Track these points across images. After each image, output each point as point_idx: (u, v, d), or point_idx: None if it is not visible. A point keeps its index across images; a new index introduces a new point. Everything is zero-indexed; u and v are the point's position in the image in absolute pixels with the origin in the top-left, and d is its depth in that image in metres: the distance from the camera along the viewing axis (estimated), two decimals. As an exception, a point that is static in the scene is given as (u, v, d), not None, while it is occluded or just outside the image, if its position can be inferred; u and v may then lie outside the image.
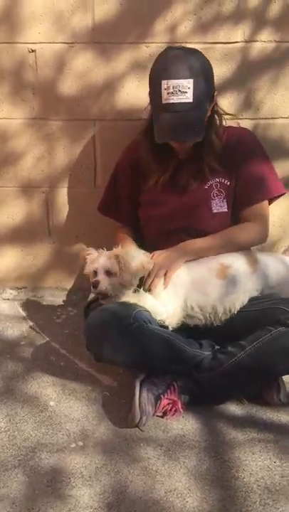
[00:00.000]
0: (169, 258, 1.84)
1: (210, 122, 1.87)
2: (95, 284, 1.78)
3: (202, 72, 1.73)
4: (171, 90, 1.70)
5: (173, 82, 1.70)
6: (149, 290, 1.81)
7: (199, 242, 1.88)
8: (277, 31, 2.11)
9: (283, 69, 2.16)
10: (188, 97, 1.70)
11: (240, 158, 1.94)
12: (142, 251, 1.88)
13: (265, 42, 2.13)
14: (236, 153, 1.93)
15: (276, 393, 1.76)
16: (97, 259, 1.83)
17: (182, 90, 1.69)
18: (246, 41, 2.13)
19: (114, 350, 1.69)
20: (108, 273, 1.78)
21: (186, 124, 1.75)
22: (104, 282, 1.78)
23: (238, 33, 2.12)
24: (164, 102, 1.72)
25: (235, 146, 1.94)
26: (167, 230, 1.98)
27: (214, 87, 1.86)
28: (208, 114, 1.84)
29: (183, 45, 2.04)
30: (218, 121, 1.91)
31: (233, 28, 2.11)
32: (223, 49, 2.12)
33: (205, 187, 1.94)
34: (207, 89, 1.76)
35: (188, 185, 1.93)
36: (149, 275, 1.82)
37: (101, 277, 1.78)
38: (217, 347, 1.81)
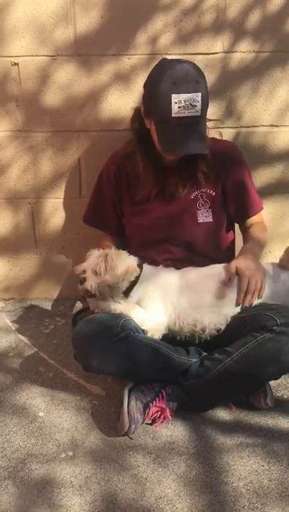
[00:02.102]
0: (253, 269, 1.78)
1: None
2: (82, 281, 1.80)
3: (205, 85, 1.77)
4: (183, 104, 1.71)
5: (184, 96, 1.70)
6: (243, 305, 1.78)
7: (254, 249, 1.93)
8: (255, 42, 2.16)
9: (263, 78, 2.21)
10: (197, 111, 1.73)
11: (229, 170, 1.97)
12: (134, 257, 1.87)
13: (244, 52, 2.17)
14: (225, 164, 1.97)
15: (263, 398, 1.78)
16: (88, 258, 1.84)
17: (193, 104, 1.71)
18: (226, 52, 2.17)
19: (102, 359, 1.70)
20: (96, 272, 1.79)
21: (197, 137, 1.77)
22: (90, 280, 1.78)
23: (218, 44, 2.16)
24: (174, 115, 1.72)
25: (223, 157, 1.97)
26: (152, 239, 1.99)
27: None
28: None
29: (165, 56, 2.09)
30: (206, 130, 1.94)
31: (213, 39, 2.15)
32: (203, 60, 2.16)
33: (191, 197, 1.97)
34: (208, 102, 1.79)
35: (177, 193, 1.95)
36: (240, 289, 1.75)
37: (88, 275, 1.79)
38: (204, 353, 1.82)
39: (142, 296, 1.83)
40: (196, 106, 1.71)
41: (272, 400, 1.78)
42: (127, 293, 1.82)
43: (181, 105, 1.71)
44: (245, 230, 2.08)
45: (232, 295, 1.77)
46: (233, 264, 1.78)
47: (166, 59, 1.83)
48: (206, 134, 1.84)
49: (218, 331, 1.79)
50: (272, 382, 1.84)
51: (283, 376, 1.91)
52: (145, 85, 1.84)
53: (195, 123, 1.75)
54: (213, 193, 1.97)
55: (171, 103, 1.70)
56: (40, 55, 2.17)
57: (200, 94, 1.71)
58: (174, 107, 1.71)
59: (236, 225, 2.12)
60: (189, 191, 1.96)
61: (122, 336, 1.68)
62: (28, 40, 2.15)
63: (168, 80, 1.72)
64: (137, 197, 1.99)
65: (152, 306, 1.81)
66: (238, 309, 1.79)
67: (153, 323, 1.79)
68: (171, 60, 1.82)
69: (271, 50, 2.17)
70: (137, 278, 1.83)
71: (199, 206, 1.97)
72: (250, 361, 1.66)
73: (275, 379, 1.80)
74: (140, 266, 1.85)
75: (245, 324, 1.72)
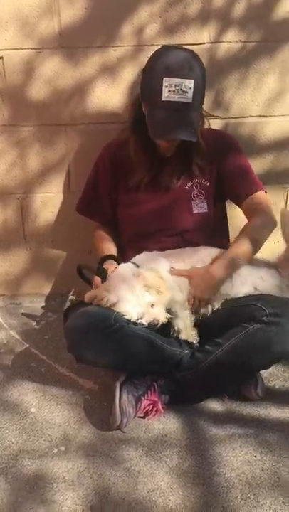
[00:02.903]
0: (202, 291, 1.79)
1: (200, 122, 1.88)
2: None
3: (201, 75, 1.75)
4: (173, 88, 1.70)
5: (175, 81, 1.70)
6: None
7: (221, 272, 1.80)
8: (242, 31, 2.14)
9: (250, 68, 2.19)
10: (188, 97, 1.71)
11: (224, 155, 1.96)
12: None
13: (231, 42, 2.15)
14: (219, 150, 1.95)
15: (254, 388, 1.78)
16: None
17: (184, 90, 1.70)
18: (212, 42, 2.15)
19: (96, 351, 1.70)
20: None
21: (186, 124, 1.76)
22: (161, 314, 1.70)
23: (204, 34, 2.14)
24: (163, 99, 1.72)
25: (217, 144, 1.96)
26: (146, 230, 1.98)
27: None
28: None
29: (150, 47, 2.08)
30: (202, 122, 1.92)
31: (199, 29, 2.14)
32: (190, 50, 2.14)
33: (185, 187, 1.96)
34: (203, 92, 1.78)
35: (171, 184, 1.94)
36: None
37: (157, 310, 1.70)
38: (197, 344, 1.82)
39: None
40: (186, 92, 1.70)
41: (263, 389, 1.78)
42: None
43: (171, 89, 1.70)
44: (247, 214, 1.95)
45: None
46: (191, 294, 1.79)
47: (167, 45, 1.85)
48: (198, 124, 1.82)
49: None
50: (263, 373, 1.85)
51: (275, 366, 1.92)
52: (142, 70, 1.84)
53: (185, 109, 1.74)
54: (208, 183, 1.96)
55: (162, 86, 1.70)
56: (25, 48, 2.15)
57: (192, 81, 1.70)
58: (165, 91, 1.71)
59: (229, 215, 2.12)
60: (184, 182, 1.95)
61: (115, 327, 1.67)
62: (12, 33, 2.13)
63: (162, 64, 1.72)
64: (130, 184, 1.97)
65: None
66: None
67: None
68: (171, 46, 1.84)
69: (258, 40, 2.16)
70: None
71: (194, 197, 1.96)
72: (240, 351, 1.66)
73: (265, 368, 1.80)
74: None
75: (235, 315, 1.72)
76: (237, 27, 2.14)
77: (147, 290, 1.68)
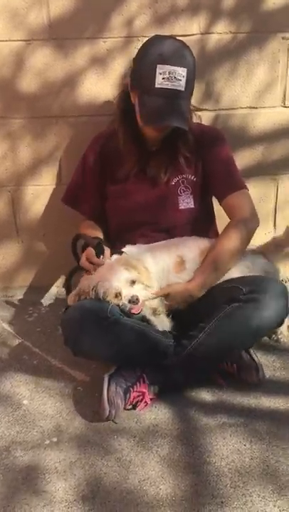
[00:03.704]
0: (178, 302, 1.84)
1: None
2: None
3: (193, 66, 1.77)
4: (167, 76, 1.71)
5: (169, 68, 1.70)
6: None
7: (201, 283, 1.81)
8: (232, 22, 2.14)
9: (240, 60, 2.19)
10: (181, 85, 1.72)
11: (206, 150, 1.95)
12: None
13: (221, 33, 2.15)
14: (206, 144, 1.95)
15: (255, 372, 1.81)
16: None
17: (177, 77, 1.71)
18: (202, 33, 2.15)
19: (92, 344, 1.71)
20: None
21: (178, 112, 1.76)
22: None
23: (194, 26, 2.13)
24: (157, 86, 1.72)
25: (205, 138, 1.96)
26: (132, 222, 1.99)
27: None
28: None
29: (140, 38, 2.07)
30: (190, 114, 1.92)
31: (189, 20, 2.13)
32: (180, 42, 2.13)
33: (172, 183, 1.96)
34: (193, 82, 1.79)
35: (159, 178, 1.94)
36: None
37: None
38: (174, 333, 1.85)
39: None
40: (180, 80, 1.71)
41: (263, 374, 1.82)
42: None
43: (165, 76, 1.71)
44: (227, 212, 1.94)
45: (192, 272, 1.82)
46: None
47: (158, 35, 1.85)
48: (188, 114, 1.82)
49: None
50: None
51: (265, 356, 1.95)
52: (134, 59, 1.84)
53: (177, 97, 1.74)
54: (194, 179, 1.96)
55: (156, 73, 1.71)
56: (15, 40, 2.13)
57: (185, 69, 1.71)
58: (158, 78, 1.71)
59: (217, 210, 2.12)
60: (171, 177, 1.95)
61: (111, 320, 1.69)
62: (1, 25, 2.11)
63: (155, 52, 1.73)
64: (119, 175, 1.97)
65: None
66: None
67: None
68: (163, 35, 1.84)
69: (248, 31, 2.15)
70: None
71: (180, 192, 1.96)
72: (222, 332, 1.70)
73: (249, 346, 1.83)
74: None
75: (215, 298, 1.75)
76: (227, 18, 2.13)
77: (126, 269, 1.73)
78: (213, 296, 1.78)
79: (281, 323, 1.78)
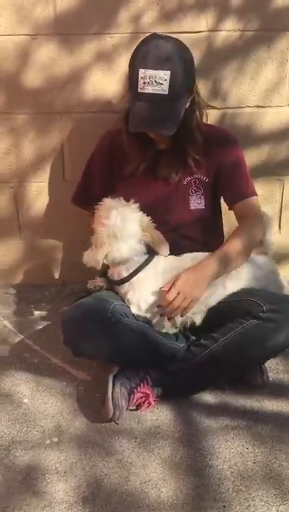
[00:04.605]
0: (189, 284, 1.68)
1: (191, 114, 1.83)
2: None
3: (182, 64, 1.69)
4: (148, 80, 1.66)
5: (150, 72, 1.65)
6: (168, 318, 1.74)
7: (214, 267, 1.73)
8: (240, 20, 2.11)
9: (248, 58, 2.16)
10: (163, 89, 1.66)
11: (223, 154, 1.91)
12: None
13: (229, 31, 2.12)
14: (219, 149, 1.91)
15: (260, 375, 1.80)
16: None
17: (158, 81, 1.65)
18: (210, 30, 2.12)
19: (92, 344, 1.69)
20: None
21: (158, 117, 1.71)
22: None
23: (202, 23, 2.11)
24: (139, 90, 1.68)
25: (217, 142, 1.92)
26: None
27: (195, 79, 1.81)
28: (188, 105, 1.80)
29: (147, 35, 2.04)
30: (198, 113, 1.86)
31: (197, 17, 2.10)
32: (187, 38, 2.06)
33: (184, 182, 1.93)
34: (185, 83, 1.72)
35: (170, 177, 1.91)
36: (165, 300, 1.67)
37: None
38: (193, 338, 1.81)
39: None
40: (161, 84, 1.65)
41: (267, 376, 1.80)
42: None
43: (146, 81, 1.66)
44: (237, 217, 1.92)
45: (209, 290, 1.73)
46: (169, 292, 1.66)
47: (153, 34, 1.78)
48: (178, 116, 1.74)
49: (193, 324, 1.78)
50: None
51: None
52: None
53: (160, 101, 1.68)
54: (207, 180, 1.93)
55: (138, 77, 1.67)
56: (20, 34, 2.11)
57: (169, 72, 1.64)
58: (140, 82, 1.67)
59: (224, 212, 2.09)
60: (182, 176, 1.92)
61: (113, 320, 1.67)
62: (7, 19, 2.08)
63: (140, 55, 1.69)
64: (126, 171, 1.94)
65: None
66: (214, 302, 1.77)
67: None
68: (156, 35, 1.76)
69: (256, 29, 2.12)
70: None
71: (192, 192, 1.93)
72: (236, 346, 1.66)
73: (260, 364, 1.81)
74: None
75: (232, 310, 1.71)
76: (235, 15, 2.10)
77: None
78: (230, 306, 1.73)
79: None
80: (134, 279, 1.77)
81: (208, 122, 2.02)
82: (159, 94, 1.66)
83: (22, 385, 1.88)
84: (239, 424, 1.67)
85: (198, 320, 1.77)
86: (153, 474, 1.50)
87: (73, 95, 2.20)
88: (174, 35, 2.01)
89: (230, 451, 1.57)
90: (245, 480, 1.47)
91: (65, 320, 1.76)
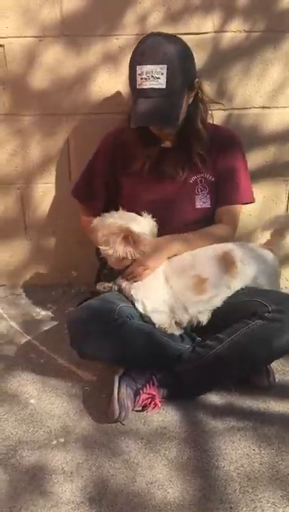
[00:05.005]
0: (156, 260, 1.78)
1: (194, 110, 1.85)
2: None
3: (178, 58, 1.71)
4: (144, 76, 1.69)
5: (146, 68, 1.69)
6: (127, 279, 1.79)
7: (178, 244, 1.82)
8: (246, 21, 2.11)
9: (254, 59, 2.16)
10: (160, 83, 1.69)
11: (221, 153, 1.93)
12: None
13: (235, 32, 2.12)
14: (221, 149, 1.93)
15: (266, 377, 1.79)
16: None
17: (155, 76, 1.68)
18: (216, 31, 2.12)
19: (99, 346, 1.69)
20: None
21: (157, 111, 1.73)
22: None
23: (208, 24, 2.11)
24: (138, 87, 1.72)
25: (221, 142, 1.94)
26: None
27: (195, 75, 1.83)
28: (190, 101, 1.83)
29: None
30: (202, 109, 1.89)
31: (203, 18, 2.10)
32: (193, 39, 2.10)
33: (190, 181, 1.94)
34: (184, 77, 1.73)
35: (176, 175, 1.92)
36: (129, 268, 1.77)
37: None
38: (198, 338, 1.81)
39: None
40: (158, 78, 1.68)
41: (274, 377, 1.80)
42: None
43: (143, 76, 1.70)
44: (216, 217, 1.98)
45: (214, 291, 1.74)
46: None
47: (151, 33, 1.82)
48: (178, 109, 1.77)
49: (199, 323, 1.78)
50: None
51: (275, 360, 1.91)
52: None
53: (158, 96, 1.71)
54: (212, 179, 1.94)
55: (136, 75, 1.70)
56: (27, 36, 2.12)
57: (165, 66, 1.67)
58: (138, 79, 1.71)
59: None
60: (189, 175, 1.93)
61: (119, 322, 1.67)
62: (14, 21, 2.09)
63: (136, 52, 1.73)
64: (131, 168, 1.95)
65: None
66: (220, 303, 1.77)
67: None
68: (151, 34, 1.81)
69: (262, 30, 2.12)
70: None
71: (198, 191, 1.94)
72: (241, 347, 1.65)
73: (266, 364, 1.80)
74: None
75: (237, 310, 1.70)
76: (241, 16, 2.11)
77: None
78: (235, 307, 1.73)
79: None
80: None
81: (214, 123, 2.03)
82: (158, 88, 1.69)
83: (28, 386, 1.88)
84: (245, 425, 1.67)
85: (203, 319, 1.77)
86: (159, 475, 1.50)
87: (80, 96, 2.20)
88: (180, 37, 2.02)
89: (237, 453, 1.57)
90: (251, 481, 1.47)
91: (70, 322, 1.76)
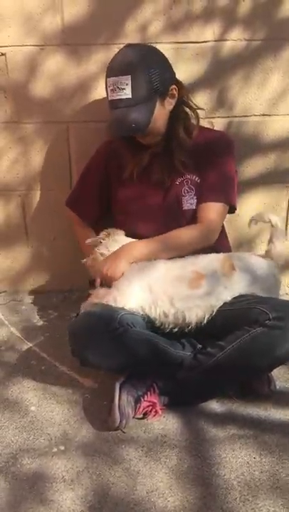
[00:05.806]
0: (114, 262, 1.82)
1: (176, 117, 1.90)
2: None
3: (143, 67, 1.76)
4: (112, 87, 1.78)
5: (112, 80, 1.78)
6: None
7: (140, 247, 1.85)
8: (246, 30, 2.12)
9: (254, 67, 2.18)
10: (126, 93, 1.76)
11: (209, 156, 1.95)
12: None
13: (235, 40, 2.14)
14: (208, 151, 1.95)
15: (267, 384, 1.80)
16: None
17: (120, 87, 1.76)
18: (217, 40, 2.13)
19: (100, 355, 1.69)
20: None
21: (124, 120, 1.79)
22: None
23: (209, 32, 2.12)
24: (109, 98, 1.82)
25: (208, 144, 1.95)
26: (144, 231, 1.97)
27: (170, 80, 1.85)
28: (170, 108, 1.87)
29: (154, 45, 2.06)
30: (187, 117, 1.92)
31: (204, 27, 2.12)
32: (194, 48, 2.13)
33: (176, 183, 1.97)
34: (150, 85, 1.77)
35: (163, 180, 1.95)
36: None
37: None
38: (199, 346, 1.81)
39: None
40: (124, 89, 1.75)
41: (275, 385, 1.80)
42: None
43: (111, 88, 1.79)
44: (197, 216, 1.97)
45: (209, 287, 1.76)
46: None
47: (127, 44, 1.90)
48: (147, 116, 1.80)
49: (200, 323, 1.78)
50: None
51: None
52: None
53: (126, 106, 1.77)
54: (198, 180, 1.96)
55: (107, 87, 1.81)
56: (28, 45, 2.13)
57: (129, 76, 1.74)
58: (108, 91, 1.81)
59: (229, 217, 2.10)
60: (174, 178, 1.97)
61: (120, 331, 1.67)
62: (15, 30, 2.11)
63: (108, 66, 1.83)
64: (124, 176, 1.99)
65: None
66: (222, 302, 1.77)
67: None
68: (125, 46, 1.88)
69: (263, 38, 2.14)
70: None
71: (184, 193, 1.96)
72: (242, 355, 1.65)
73: (267, 372, 1.80)
74: None
75: (238, 318, 1.70)
76: (242, 25, 2.12)
77: None
78: (236, 314, 1.73)
79: None
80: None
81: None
82: (125, 98, 1.76)
83: (29, 393, 1.88)
84: (246, 433, 1.67)
85: (190, 317, 1.75)
86: (160, 483, 1.50)
87: (81, 105, 2.22)
88: (180, 45, 2.05)
89: (237, 461, 1.57)
90: (252, 490, 1.46)
91: (71, 330, 1.75)
